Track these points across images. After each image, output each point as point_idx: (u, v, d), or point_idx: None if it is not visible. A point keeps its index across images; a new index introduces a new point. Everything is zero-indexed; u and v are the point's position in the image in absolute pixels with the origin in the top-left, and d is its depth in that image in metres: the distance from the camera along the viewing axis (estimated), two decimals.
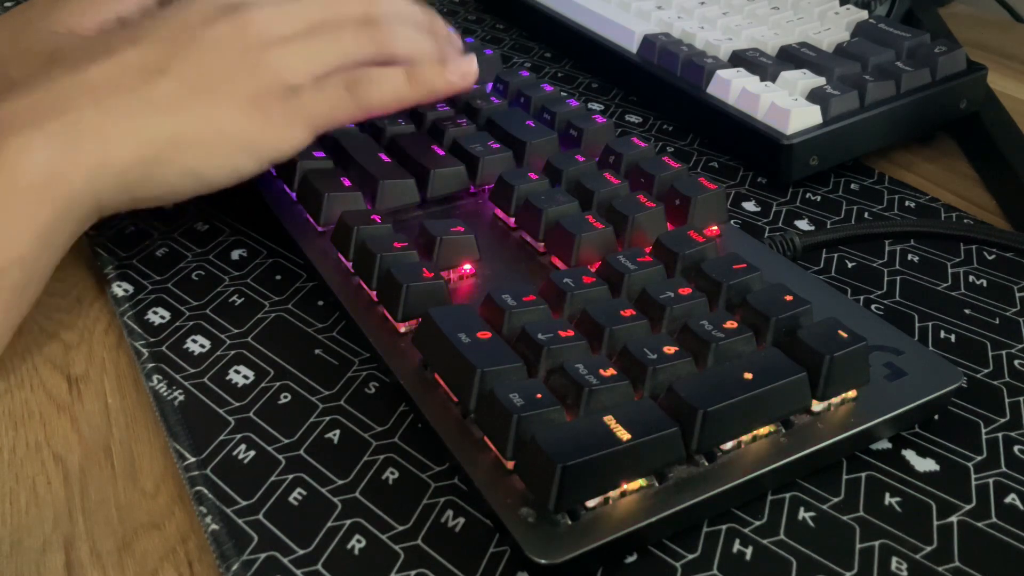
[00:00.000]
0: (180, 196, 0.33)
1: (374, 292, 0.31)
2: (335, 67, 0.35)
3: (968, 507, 0.27)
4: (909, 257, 0.38)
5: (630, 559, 0.25)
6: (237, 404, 0.30)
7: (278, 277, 0.36)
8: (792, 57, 0.46)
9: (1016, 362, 0.32)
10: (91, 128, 0.31)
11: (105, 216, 0.32)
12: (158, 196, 0.33)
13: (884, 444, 0.29)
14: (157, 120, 0.32)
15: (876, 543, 0.26)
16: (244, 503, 0.26)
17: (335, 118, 0.35)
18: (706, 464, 0.26)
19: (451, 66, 0.37)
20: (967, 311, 0.35)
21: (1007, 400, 0.30)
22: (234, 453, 0.28)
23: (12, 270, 0.29)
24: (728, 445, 0.26)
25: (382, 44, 0.36)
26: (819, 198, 0.42)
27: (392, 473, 0.27)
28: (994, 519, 0.26)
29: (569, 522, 0.24)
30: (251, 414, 0.29)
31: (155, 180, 0.32)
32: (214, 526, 0.26)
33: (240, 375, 0.31)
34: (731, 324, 0.28)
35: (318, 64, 0.35)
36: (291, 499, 0.27)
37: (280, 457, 0.28)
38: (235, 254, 0.37)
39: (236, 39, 0.33)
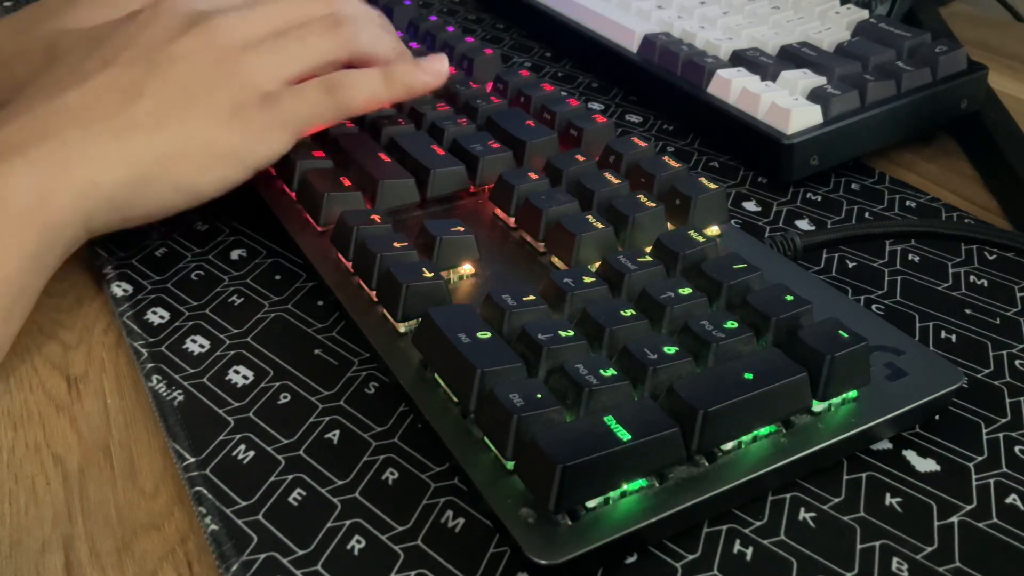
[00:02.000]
0: (169, 211, 0.34)
1: (374, 292, 0.31)
2: (308, 70, 0.36)
3: (969, 507, 0.27)
4: (910, 257, 0.38)
5: (630, 559, 0.25)
6: (236, 404, 0.30)
7: (278, 277, 0.36)
8: (793, 57, 0.46)
9: (1017, 362, 0.32)
10: (78, 150, 0.31)
11: (95, 237, 0.33)
12: (148, 213, 0.33)
13: (885, 444, 0.29)
14: (142, 139, 0.32)
15: (877, 543, 0.26)
16: (244, 503, 0.26)
17: (316, 121, 0.36)
18: (706, 464, 0.26)
19: (424, 65, 0.38)
20: (968, 311, 0.35)
21: (1008, 400, 0.30)
22: (233, 453, 0.28)
23: None
24: (728, 445, 0.26)
25: (348, 43, 0.37)
26: (820, 198, 0.42)
27: (392, 473, 0.27)
28: (995, 519, 0.26)
29: (569, 522, 0.24)
30: (251, 414, 0.29)
31: (145, 197, 0.33)
32: (214, 526, 0.25)
33: (240, 375, 0.31)
34: (731, 324, 0.28)
35: (291, 68, 0.35)
36: (291, 499, 0.26)
37: (280, 457, 0.28)
38: (234, 254, 0.37)
39: (206, 50, 0.34)
